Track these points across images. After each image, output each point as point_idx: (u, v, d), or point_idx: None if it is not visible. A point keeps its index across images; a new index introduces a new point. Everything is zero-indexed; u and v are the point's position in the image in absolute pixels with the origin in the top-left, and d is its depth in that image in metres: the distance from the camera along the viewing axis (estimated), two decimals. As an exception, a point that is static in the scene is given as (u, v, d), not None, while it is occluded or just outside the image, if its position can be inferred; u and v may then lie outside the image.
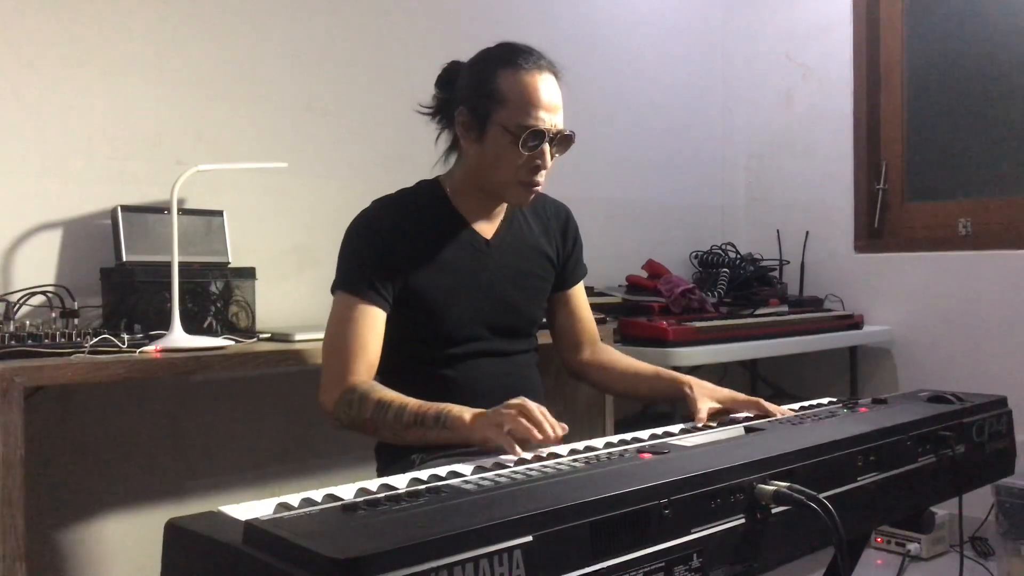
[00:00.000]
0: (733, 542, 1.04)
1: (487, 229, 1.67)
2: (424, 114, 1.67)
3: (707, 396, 1.59)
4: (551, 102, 1.53)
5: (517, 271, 1.68)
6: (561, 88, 1.57)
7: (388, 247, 1.55)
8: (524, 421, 1.25)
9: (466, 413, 1.34)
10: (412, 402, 1.41)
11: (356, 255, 1.57)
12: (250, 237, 2.25)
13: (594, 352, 1.83)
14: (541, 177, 1.57)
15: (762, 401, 1.55)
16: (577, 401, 2.43)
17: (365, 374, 1.50)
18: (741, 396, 1.59)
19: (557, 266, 1.77)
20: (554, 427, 1.27)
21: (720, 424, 1.44)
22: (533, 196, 1.60)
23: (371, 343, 1.52)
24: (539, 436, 1.25)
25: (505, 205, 1.68)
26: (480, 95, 1.54)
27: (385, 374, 1.62)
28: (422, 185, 1.69)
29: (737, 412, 1.57)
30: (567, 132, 1.56)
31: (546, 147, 1.53)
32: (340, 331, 1.52)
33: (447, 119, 1.65)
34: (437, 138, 1.68)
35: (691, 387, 1.62)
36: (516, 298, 1.67)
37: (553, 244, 1.75)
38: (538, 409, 1.28)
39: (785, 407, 1.56)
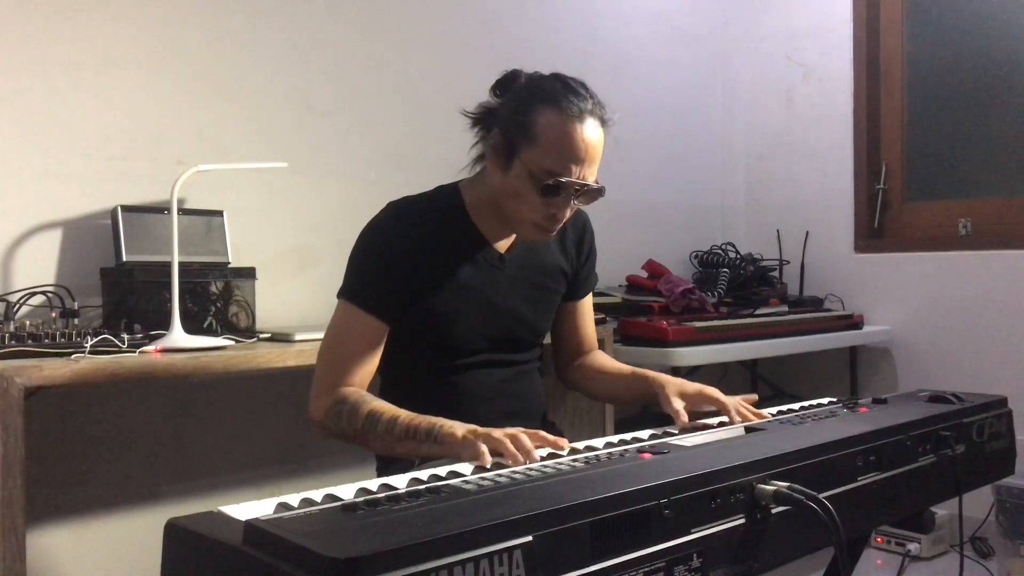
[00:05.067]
0: (733, 542, 1.04)
1: (503, 244, 1.61)
2: (468, 117, 1.56)
3: (676, 393, 1.54)
4: (586, 154, 1.42)
5: (530, 285, 1.63)
6: (605, 134, 1.46)
7: (397, 259, 1.49)
8: (511, 446, 1.18)
9: (458, 429, 1.27)
10: (404, 414, 1.36)
11: (364, 264, 1.52)
12: (250, 237, 2.25)
13: (585, 358, 1.79)
14: (556, 224, 1.49)
15: (720, 397, 1.51)
16: (577, 402, 2.43)
17: (357, 386, 1.46)
18: (708, 389, 1.54)
19: (569, 278, 1.72)
20: (532, 453, 1.19)
21: (703, 424, 1.44)
22: (546, 238, 1.54)
23: (367, 356, 1.48)
24: (522, 462, 1.18)
25: None
26: (515, 125, 1.44)
27: (390, 380, 1.61)
28: (441, 191, 1.60)
29: (706, 406, 1.53)
30: (595, 186, 1.46)
31: (567, 198, 1.45)
32: (337, 340, 1.48)
33: (487, 130, 1.53)
34: (473, 146, 1.58)
35: (662, 385, 1.56)
36: (526, 313, 1.62)
37: (568, 256, 1.70)
38: (532, 436, 1.21)
39: (766, 411, 1.52)
